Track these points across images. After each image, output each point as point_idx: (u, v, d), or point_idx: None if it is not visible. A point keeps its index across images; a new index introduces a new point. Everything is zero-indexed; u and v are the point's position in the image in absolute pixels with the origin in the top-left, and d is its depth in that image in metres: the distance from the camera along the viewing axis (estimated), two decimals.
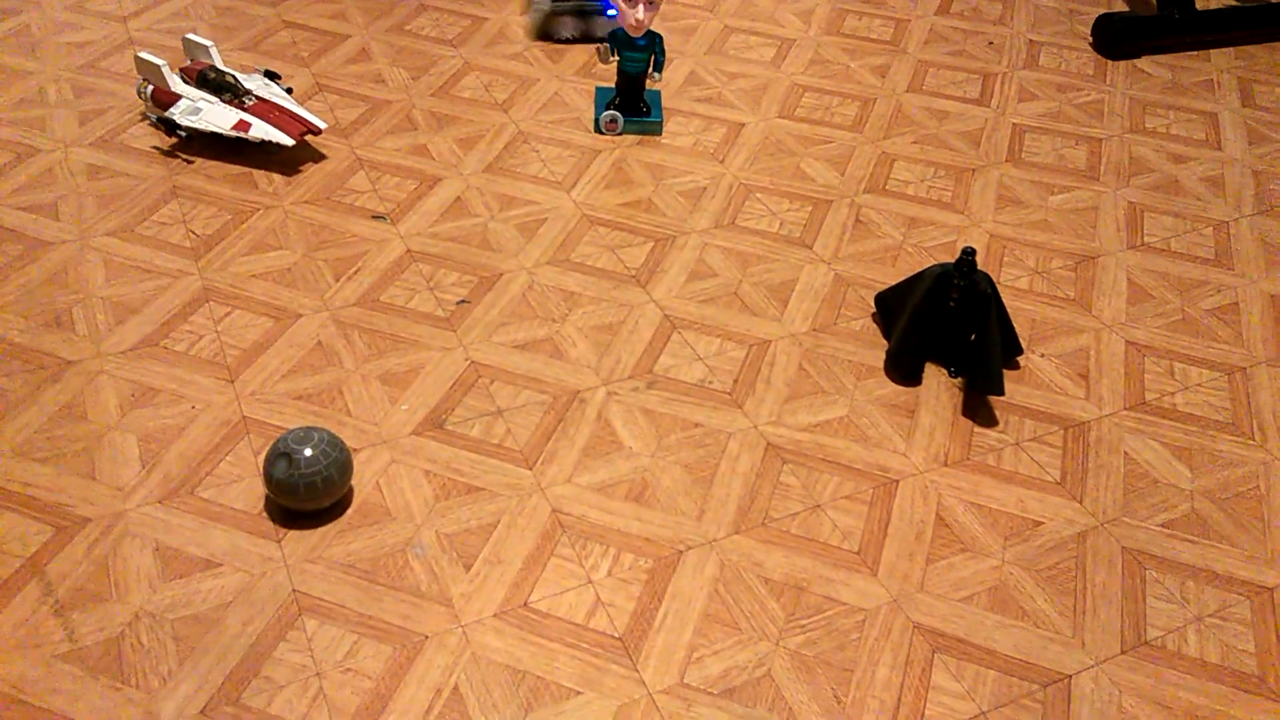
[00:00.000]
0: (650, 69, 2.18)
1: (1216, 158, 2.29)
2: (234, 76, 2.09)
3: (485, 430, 1.55)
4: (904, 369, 1.68)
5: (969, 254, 1.61)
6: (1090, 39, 2.72)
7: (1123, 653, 1.32)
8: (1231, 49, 2.74)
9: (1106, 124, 2.38)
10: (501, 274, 1.84)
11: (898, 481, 1.51)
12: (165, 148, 2.10)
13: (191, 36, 2.16)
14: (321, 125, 2.06)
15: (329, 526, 1.40)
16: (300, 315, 1.72)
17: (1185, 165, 2.26)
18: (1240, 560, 1.44)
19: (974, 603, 1.36)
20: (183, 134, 2.05)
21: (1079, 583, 1.39)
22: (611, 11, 2.47)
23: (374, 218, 1.95)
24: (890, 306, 1.75)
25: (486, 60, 2.46)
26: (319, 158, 2.10)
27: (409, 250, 1.88)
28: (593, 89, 2.37)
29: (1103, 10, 2.76)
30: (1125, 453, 1.58)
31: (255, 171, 2.05)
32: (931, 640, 1.31)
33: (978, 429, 1.61)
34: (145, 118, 2.18)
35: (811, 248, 1.95)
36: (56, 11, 2.55)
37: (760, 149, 2.21)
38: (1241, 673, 1.30)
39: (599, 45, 2.15)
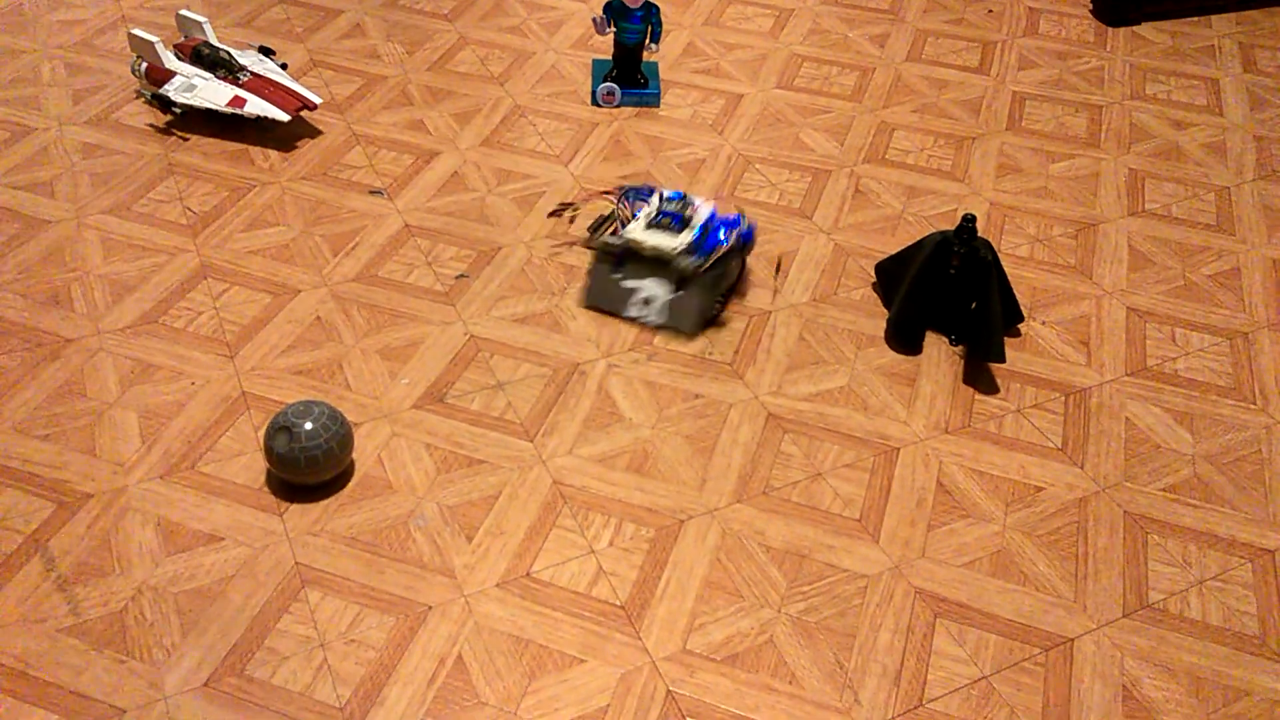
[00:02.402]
0: (647, 40, 2.16)
1: (1218, 123, 2.27)
2: (228, 53, 2.08)
3: (485, 403, 1.54)
4: (904, 337, 1.68)
5: (969, 221, 1.60)
6: (1090, 5, 2.70)
7: (1125, 616, 1.32)
8: (1232, 14, 2.72)
9: (1107, 91, 2.36)
10: (500, 248, 1.83)
11: (899, 449, 1.51)
12: (160, 125, 2.09)
13: (185, 13, 2.14)
14: (317, 101, 2.05)
15: (331, 500, 1.40)
16: (299, 291, 1.72)
17: (1186, 131, 2.24)
18: (1242, 523, 1.44)
19: (976, 568, 1.36)
20: (178, 111, 2.04)
21: (1081, 547, 1.39)
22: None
23: (371, 193, 1.94)
24: (890, 275, 1.75)
25: (482, 34, 2.44)
26: (315, 133, 2.09)
27: (407, 225, 1.87)
28: (589, 61, 2.36)
29: None
30: (1126, 418, 1.58)
31: (251, 148, 2.04)
32: (933, 605, 1.31)
33: (979, 396, 1.60)
34: (140, 95, 2.17)
35: (811, 218, 1.94)
36: None
37: (759, 120, 2.20)
38: (1243, 634, 1.31)
39: (595, 16, 2.13)
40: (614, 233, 1.69)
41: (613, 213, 1.78)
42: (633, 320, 1.67)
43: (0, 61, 2.26)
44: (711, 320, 1.68)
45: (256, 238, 1.82)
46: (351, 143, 2.07)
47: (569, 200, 1.62)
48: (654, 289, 1.66)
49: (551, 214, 1.64)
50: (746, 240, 1.70)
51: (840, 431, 1.53)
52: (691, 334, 1.65)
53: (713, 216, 1.68)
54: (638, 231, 1.67)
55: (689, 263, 1.63)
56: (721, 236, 1.64)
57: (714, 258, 1.64)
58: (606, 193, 1.76)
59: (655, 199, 1.72)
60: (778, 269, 1.74)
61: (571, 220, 1.67)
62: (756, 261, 1.82)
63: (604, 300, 1.70)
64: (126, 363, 1.57)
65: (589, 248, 1.74)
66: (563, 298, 1.73)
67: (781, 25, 2.55)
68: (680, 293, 1.65)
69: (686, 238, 1.64)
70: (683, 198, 1.69)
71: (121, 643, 1.22)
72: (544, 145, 2.09)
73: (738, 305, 1.73)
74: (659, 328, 1.66)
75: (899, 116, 2.23)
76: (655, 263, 1.66)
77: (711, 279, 1.65)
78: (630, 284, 1.66)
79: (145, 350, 1.60)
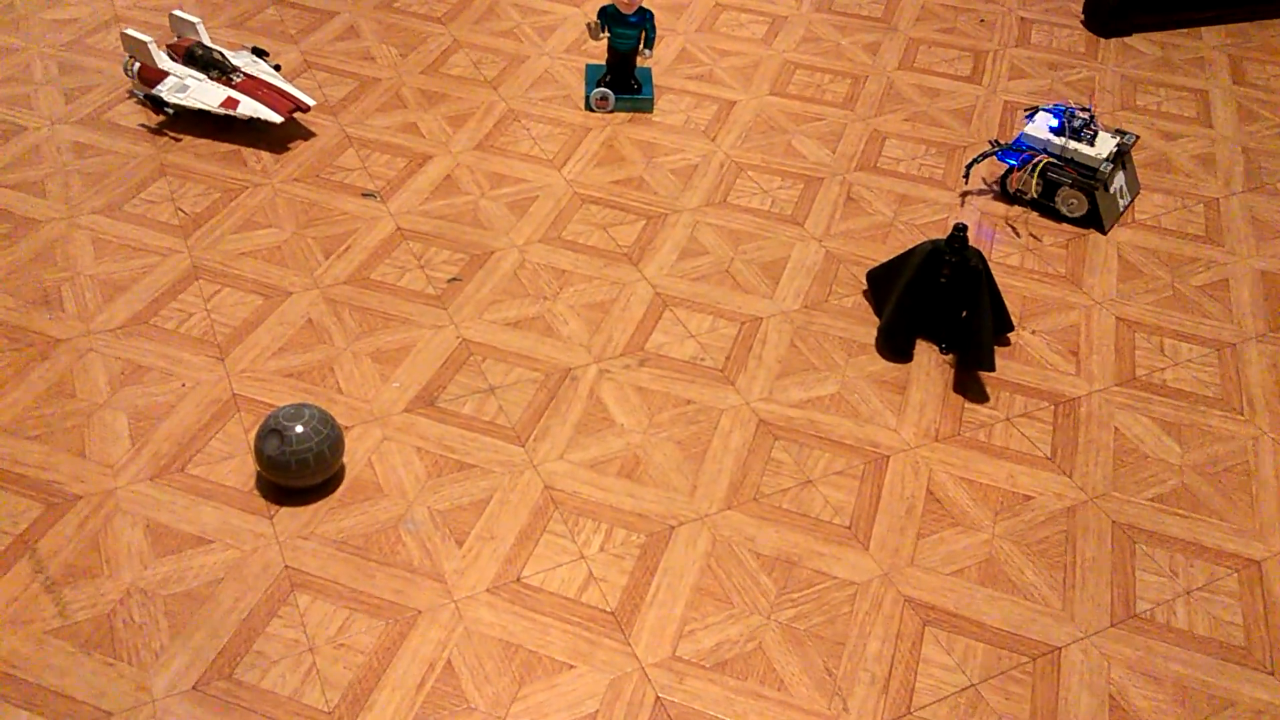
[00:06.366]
0: (641, 46, 2.17)
1: (1207, 135, 2.29)
2: (222, 53, 2.08)
3: (477, 407, 1.54)
4: (895, 345, 1.69)
5: (960, 230, 1.61)
6: (1082, 16, 2.71)
7: (1112, 625, 1.33)
8: (1222, 26, 2.74)
9: (1098, 101, 2.37)
10: (492, 252, 1.83)
11: (889, 457, 1.52)
12: (153, 125, 2.08)
13: (178, 13, 2.14)
14: (310, 102, 2.05)
15: (321, 503, 1.39)
16: (290, 293, 1.71)
17: (1176, 142, 2.26)
18: (1228, 534, 1.45)
19: (964, 576, 1.37)
20: (170, 111, 2.04)
21: (1069, 556, 1.40)
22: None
23: (364, 195, 1.94)
24: (881, 283, 1.75)
25: (476, 37, 2.44)
26: (308, 135, 2.09)
27: (399, 228, 1.87)
28: (583, 66, 2.36)
29: None
30: (1115, 428, 1.59)
31: (244, 149, 2.03)
32: (922, 613, 1.32)
33: (968, 405, 1.61)
34: (132, 95, 2.16)
35: (803, 225, 1.95)
36: None
37: (752, 127, 2.21)
38: (1229, 644, 1.31)
39: (589, 21, 2.13)
40: (1101, 169, 1.95)
41: (1041, 161, 1.99)
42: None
43: None
44: None
45: (248, 239, 1.82)
46: (344, 145, 2.06)
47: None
48: (1121, 181, 2.01)
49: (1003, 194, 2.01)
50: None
51: (831, 439, 1.54)
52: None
53: (1059, 110, 2.02)
54: (1095, 149, 1.95)
55: (1125, 139, 2.01)
56: (1069, 113, 2.00)
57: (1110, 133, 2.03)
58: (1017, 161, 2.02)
59: (1057, 119, 2.00)
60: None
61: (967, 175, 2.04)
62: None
63: (1113, 218, 1.99)
64: (117, 364, 1.57)
65: (1092, 185, 1.96)
66: (555, 302, 1.73)
67: (775, 32, 2.56)
68: (1125, 167, 2.02)
69: (1107, 138, 1.99)
70: (1066, 111, 1.99)
71: (110, 645, 1.22)
72: (537, 149, 2.09)
73: (729, 308, 1.74)
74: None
75: (891, 125, 2.24)
76: (1119, 157, 1.98)
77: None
78: (1114, 189, 1.99)
79: (136, 351, 1.59)
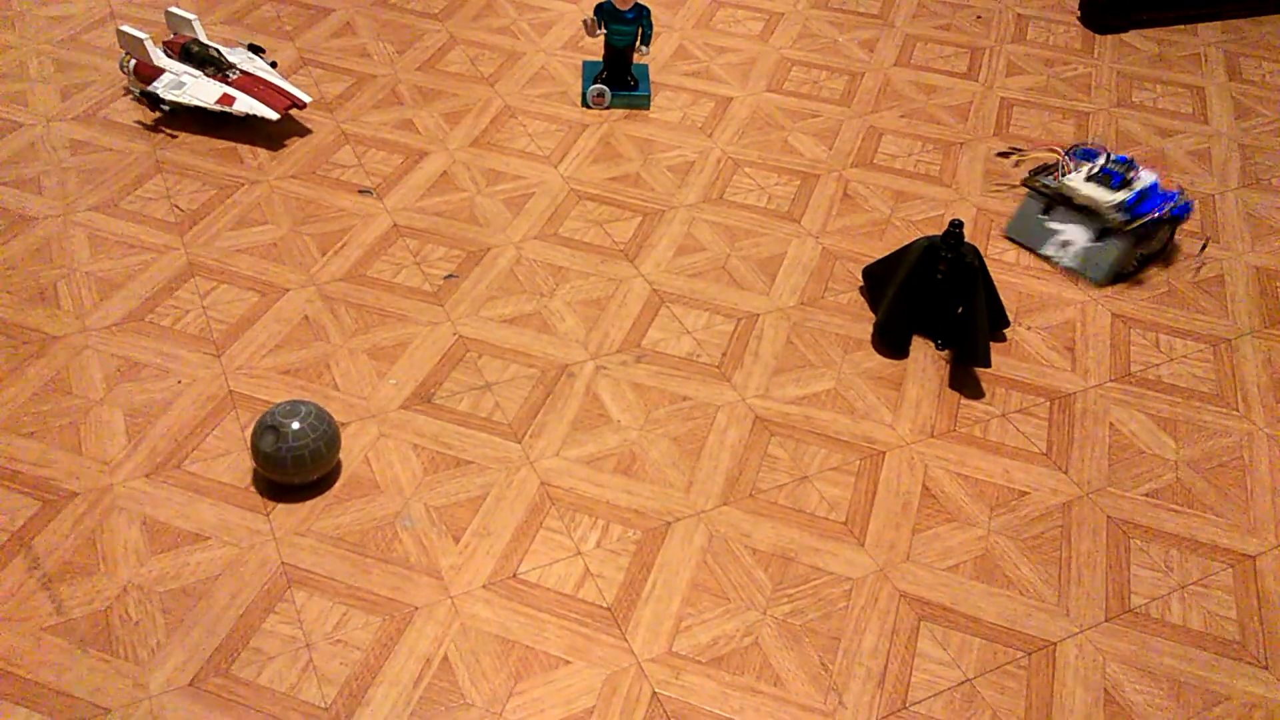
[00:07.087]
0: (638, 42, 2.17)
1: (1203, 131, 2.29)
2: (218, 50, 2.07)
3: (473, 404, 1.55)
4: (891, 342, 1.69)
5: (956, 227, 1.61)
6: (1078, 13, 2.71)
7: (1107, 620, 1.33)
8: (1219, 23, 2.74)
9: (1094, 98, 2.38)
10: (489, 248, 1.83)
11: (884, 453, 1.52)
12: (149, 122, 2.08)
13: (175, 10, 2.14)
14: (306, 99, 2.05)
15: (317, 500, 1.39)
16: (287, 290, 1.71)
17: (1172, 139, 2.26)
18: (1223, 529, 1.45)
19: (960, 572, 1.37)
20: (166, 108, 2.04)
21: (1064, 552, 1.41)
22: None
23: (360, 192, 1.94)
24: (878, 279, 1.75)
25: (472, 34, 2.44)
26: (304, 132, 2.09)
27: (395, 225, 1.87)
28: (580, 63, 2.36)
29: None
30: (1111, 424, 1.59)
31: (240, 146, 2.03)
32: (918, 609, 1.32)
33: (964, 401, 1.61)
34: (128, 92, 2.16)
35: (799, 221, 1.95)
36: None
37: (748, 123, 2.21)
38: (1223, 639, 1.32)
39: (586, 18, 2.14)
40: (1053, 178, 1.85)
41: (1056, 163, 1.90)
42: (1046, 258, 1.84)
43: None
44: (1123, 276, 1.82)
45: (244, 236, 1.82)
46: (340, 142, 2.06)
47: (1018, 146, 1.86)
48: (1075, 234, 1.80)
49: (1000, 154, 1.88)
50: (1179, 215, 1.81)
51: (827, 435, 1.54)
52: (1100, 283, 1.80)
53: (1154, 186, 1.80)
54: (1076, 181, 1.82)
55: (1117, 217, 1.76)
56: (1156, 207, 1.78)
57: (1143, 221, 1.76)
58: (1055, 148, 1.93)
59: (1101, 158, 1.86)
60: (1203, 248, 1.87)
61: (1016, 164, 1.89)
62: (1183, 237, 1.95)
63: (1024, 235, 1.88)
64: (113, 361, 1.57)
65: (1025, 186, 1.88)
66: (551, 299, 1.73)
67: (771, 29, 2.56)
68: (1099, 243, 1.79)
69: (1121, 196, 1.77)
70: (1128, 161, 1.82)
71: (106, 642, 1.22)
72: (534, 146, 2.09)
73: (725, 304, 1.74)
74: (1069, 270, 1.82)
75: (887, 121, 2.24)
76: (1084, 211, 1.81)
77: (1134, 238, 1.78)
78: (1053, 225, 1.81)
79: (132, 348, 1.59)
